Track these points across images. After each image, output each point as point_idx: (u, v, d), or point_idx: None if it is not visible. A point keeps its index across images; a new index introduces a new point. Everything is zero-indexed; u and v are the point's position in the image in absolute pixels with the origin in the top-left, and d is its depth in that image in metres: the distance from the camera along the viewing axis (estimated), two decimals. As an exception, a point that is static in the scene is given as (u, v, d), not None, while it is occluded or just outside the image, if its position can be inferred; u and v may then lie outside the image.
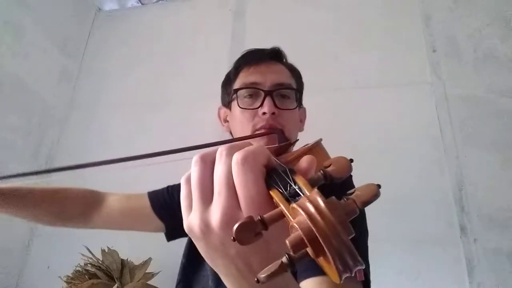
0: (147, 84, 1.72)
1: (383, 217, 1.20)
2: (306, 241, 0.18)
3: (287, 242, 0.19)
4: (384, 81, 1.43)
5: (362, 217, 0.60)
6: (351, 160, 0.24)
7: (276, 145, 0.50)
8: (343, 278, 0.18)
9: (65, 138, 1.70)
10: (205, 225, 0.25)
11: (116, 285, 1.06)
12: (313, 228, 0.18)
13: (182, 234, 0.78)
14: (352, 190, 0.21)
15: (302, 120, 0.76)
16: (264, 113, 0.62)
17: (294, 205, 0.20)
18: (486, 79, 1.33)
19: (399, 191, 1.23)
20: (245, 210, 0.24)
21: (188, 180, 0.28)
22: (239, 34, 1.67)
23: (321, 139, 0.39)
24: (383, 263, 1.14)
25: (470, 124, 1.28)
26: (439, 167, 1.24)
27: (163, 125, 1.60)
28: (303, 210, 0.19)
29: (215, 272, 0.62)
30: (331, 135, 1.34)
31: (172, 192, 0.80)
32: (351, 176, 0.60)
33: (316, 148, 0.37)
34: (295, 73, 0.74)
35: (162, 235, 0.86)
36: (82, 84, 1.82)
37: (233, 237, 0.20)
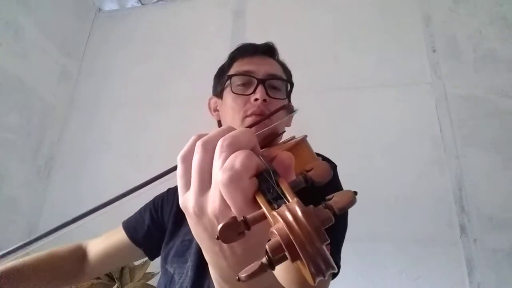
0: (147, 84, 1.73)
1: (384, 217, 1.20)
2: (283, 246, 0.19)
3: (266, 247, 0.20)
4: (384, 81, 1.43)
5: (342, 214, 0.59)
6: (334, 166, 0.25)
7: (267, 128, 0.51)
8: (317, 281, 0.19)
9: (65, 138, 1.70)
10: (200, 210, 0.26)
11: (116, 285, 1.06)
12: (290, 235, 0.19)
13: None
14: (330, 196, 0.22)
15: None
16: (256, 99, 0.63)
17: (274, 212, 0.21)
18: (486, 79, 1.33)
19: (399, 191, 1.23)
20: (234, 209, 0.25)
21: (185, 159, 0.28)
22: (239, 34, 1.67)
23: (306, 136, 0.40)
24: (384, 263, 1.14)
25: (470, 124, 1.28)
26: (439, 167, 1.24)
27: (163, 125, 1.60)
28: (282, 218, 0.20)
29: (193, 270, 0.61)
30: (332, 134, 1.35)
31: (145, 211, 0.80)
32: (335, 166, 0.61)
33: (300, 145, 0.38)
34: (286, 71, 0.75)
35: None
36: (82, 84, 1.82)
37: (217, 236, 0.21)
